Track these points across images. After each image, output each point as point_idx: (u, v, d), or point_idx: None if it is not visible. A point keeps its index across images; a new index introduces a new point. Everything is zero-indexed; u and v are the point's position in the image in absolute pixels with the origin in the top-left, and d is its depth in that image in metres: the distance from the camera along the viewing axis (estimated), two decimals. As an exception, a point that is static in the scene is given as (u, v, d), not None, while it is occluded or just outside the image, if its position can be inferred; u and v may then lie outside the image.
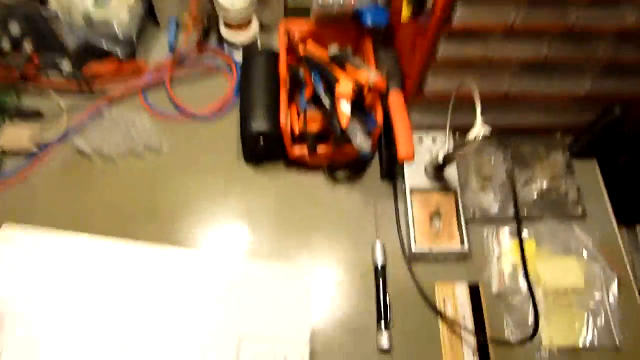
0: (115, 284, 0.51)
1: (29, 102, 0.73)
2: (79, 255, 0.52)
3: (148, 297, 0.51)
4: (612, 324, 0.61)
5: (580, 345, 0.61)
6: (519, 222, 0.45)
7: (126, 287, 0.51)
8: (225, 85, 0.75)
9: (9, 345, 0.47)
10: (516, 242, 0.65)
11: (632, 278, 0.66)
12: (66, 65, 0.74)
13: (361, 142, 0.59)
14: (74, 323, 0.49)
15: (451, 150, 0.58)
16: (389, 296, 0.61)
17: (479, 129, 0.50)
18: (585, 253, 0.66)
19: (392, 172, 0.69)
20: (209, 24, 0.75)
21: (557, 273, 0.63)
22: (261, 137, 0.64)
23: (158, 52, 0.78)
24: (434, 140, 0.70)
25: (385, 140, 0.68)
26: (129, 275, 0.51)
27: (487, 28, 0.53)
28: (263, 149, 0.65)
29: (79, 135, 0.70)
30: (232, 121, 0.73)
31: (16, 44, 0.72)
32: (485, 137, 0.49)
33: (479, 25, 0.53)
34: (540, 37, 0.57)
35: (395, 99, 0.62)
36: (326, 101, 0.59)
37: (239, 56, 0.76)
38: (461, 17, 0.51)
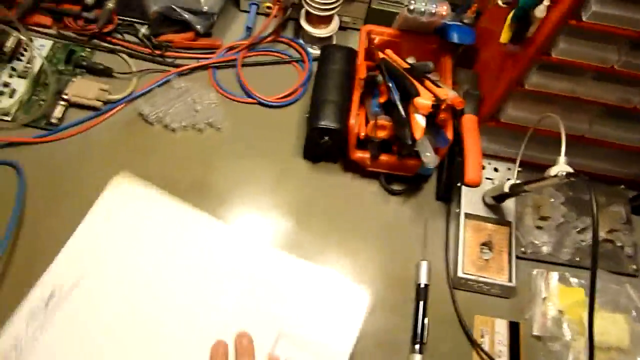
0: (192, 253, 0.54)
1: (102, 59, 0.73)
2: (176, 220, 0.56)
3: (212, 271, 0.53)
4: (651, 389, 0.59)
5: (616, 406, 0.58)
6: (593, 274, 0.43)
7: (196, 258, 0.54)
8: (294, 77, 0.75)
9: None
10: (564, 287, 0.64)
11: (678, 347, 0.63)
12: (143, 30, 0.75)
13: (430, 156, 0.58)
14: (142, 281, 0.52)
15: (520, 182, 0.56)
16: (428, 318, 0.60)
17: (562, 167, 0.48)
18: (634, 312, 0.63)
19: (449, 194, 0.67)
20: (290, 13, 0.75)
21: (603, 327, 0.61)
22: (327, 133, 0.63)
23: (234, 33, 0.78)
24: (496, 170, 0.69)
25: (448, 161, 0.67)
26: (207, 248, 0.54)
27: (585, 65, 0.52)
28: (325, 146, 0.64)
29: (145, 100, 0.70)
30: (296, 114, 0.72)
31: (99, 0, 0.73)
32: (569, 178, 0.47)
33: (577, 61, 0.51)
34: (633, 84, 0.55)
35: (469, 121, 0.61)
36: (402, 110, 0.58)
37: (313, 51, 0.76)
38: (562, 49, 0.50)
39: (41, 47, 0.73)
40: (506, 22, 0.52)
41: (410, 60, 0.69)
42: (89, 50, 0.74)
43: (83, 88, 0.69)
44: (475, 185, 0.56)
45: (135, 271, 0.53)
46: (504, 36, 0.53)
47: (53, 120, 0.67)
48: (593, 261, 0.42)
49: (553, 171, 0.48)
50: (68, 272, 0.52)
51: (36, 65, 0.71)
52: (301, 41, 0.77)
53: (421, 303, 0.60)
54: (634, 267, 0.67)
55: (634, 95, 0.55)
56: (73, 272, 0.52)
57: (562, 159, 0.49)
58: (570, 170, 0.48)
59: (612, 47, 0.50)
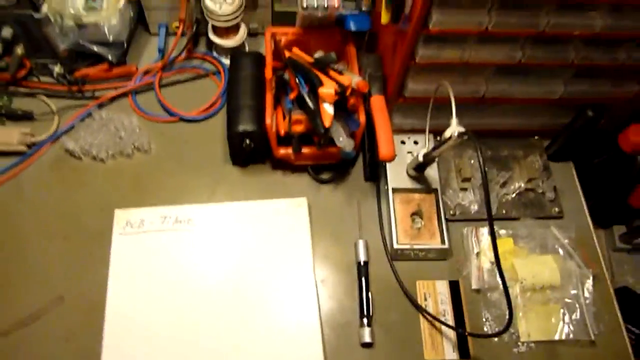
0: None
1: (20, 104, 0.74)
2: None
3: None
4: (586, 318, 0.63)
5: (556, 339, 0.62)
6: (490, 220, 0.47)
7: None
8: (213, 89, 0.77)
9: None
10: (494, 240, 0.67)
11: (606, 275, 0.68)
12: (57, 68, 0.76)
13: (344, 141, 0.61)
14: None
15: (429, 150, 0.60)
16: (371, 292, 0.63)
17: (454, 128, 0.52)
18: (561, 251, 0.68)
19: (375, 173, 0.71)
20: (198, 29, 0.77)
21: (534, 270, 0.65)
22: (247, 136, 0.66)
23: (148, 57, 0.80)
24: (415, 143, 0.73)
25: (368, 143, 0.71)
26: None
27: (462, 32, 0.56)
28: (249, 150, 0.67)
29: (69, 136, 0.71)
30: (219, 124, 0.75)
31: (7, 48, 0.73)
32: (461, 137, 0.51)
33: (454, 29, 0.55)
34: (514, 41, 0.59)
35: (377, 101, 0.64)
36: (310, 102, 0.61)
37: (227, 61, 0.78)
38: (437, 21, 0.54)
39: (-43, 103, 0.73)
40: (383, 4, 0.56)
41: (319, 54, 0.72)
42: (6, 98, 0.74)
43: (5, 135, 0.70)
44: (390, 159, 0.60)
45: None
46: (384, 17, 0.57)
47: (-21, 173, 0.68)
48: (487, 201, 0.46)
49: (447, 133, 0.52)
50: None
51: (-46, 122, 0.71)
52: (214, 54, 0.80)
53: (363, 279, 0.63)
54: (557, 209, 0.71)
55: (515, 52, 0.60)
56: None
57: (453, 121, 0.53)
58: (462, 130, 0.51)
59: (482, 10, 0.54)
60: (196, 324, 0.60)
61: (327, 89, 0.60)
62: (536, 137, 0.76)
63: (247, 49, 0.80)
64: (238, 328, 0.60)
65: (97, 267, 0.63)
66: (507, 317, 0.61)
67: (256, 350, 0.59)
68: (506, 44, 0.59)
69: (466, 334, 0.61)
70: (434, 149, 0.59)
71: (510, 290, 0.64)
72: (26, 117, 0.73)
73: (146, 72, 0.77)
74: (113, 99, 0.75)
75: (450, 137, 0.52)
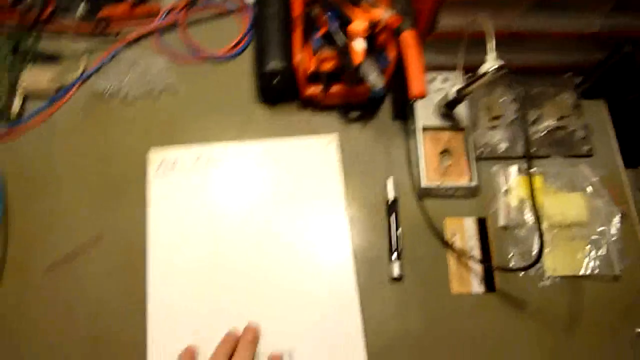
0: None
1: (47, 45, 0.74)
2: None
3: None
4: (612, 254, 0.64)
5: (581, 274, 0.64)
6: (528, 158, 0.47)
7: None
8: (238, 27, 0.76)
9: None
10: (523, 178, 0.68)
11: (634, 212, 0.68)
12: (82, 8, 0.75)
13: (374, 78, 0.60)
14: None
15: (463, 86, 0.59)
16: (400, 229, 0.64)
17: (492, 62, 0.51)
18: (589, 189, 0.68)
19: (404, 111, 0.70)
20: (222, -36, 0.75)
21: (562, 207, 0.66)
22: (275, 75, 0.65)
23: (171, -5, 0.78)
24: (445, 80, 0.71)
25: (398, 81, 0.69)
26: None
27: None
28: (277, 88, 0.67)
29: (97, 77, 0.71)
30: (246, 63, 0.74)
31: (31, -14, 0.73)
32: (498, 72, 0.50)
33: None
34: (554, -29, 0.57)
35: (408, 37, 0.63)
36: (339, 39, 0.60)
37: (251, -2, 0.77)
38: (476, -52, 0.51)
39: (-16, 45, 0.73)
40: None
41: (346, -12, 0.70)
42: (32, 39, 0.74)
43: (34, 77, 0.70)
44: (421, 96, 0.59)
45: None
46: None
47: (12, 116, 0.69)
48: (526, 141, 0.46)
49: (483, 68, 0.51)
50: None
51: (-17, 64, 0.71)
52: (238, -10, 0.78)
53: (393, 216, 0.65)
54: (587, 147, 0.70)
55: (556, -18, 0.57)
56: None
57: (490, 55, 0.51)
58: (500, 63, 0.50)
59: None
60: (233, 261, 0.62)
61: (358, 25, 0.58)
62: (569, 74, 0.74)
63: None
64: (273, 265, 0.62)
65: (133, 206, 0.65)
66: (534, 252, 0.63)
67: (291, 286, 0.61)
68: (545, -27, 0.57)
69: (493, 267, 0.63)
70: (468, 84, 0.58)
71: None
72: (54, 58, 0.73)
73: (170, 11, 0.76)
74: (138, 39, 0.74)
75: (487, 72, 0.51)
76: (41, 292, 0.61)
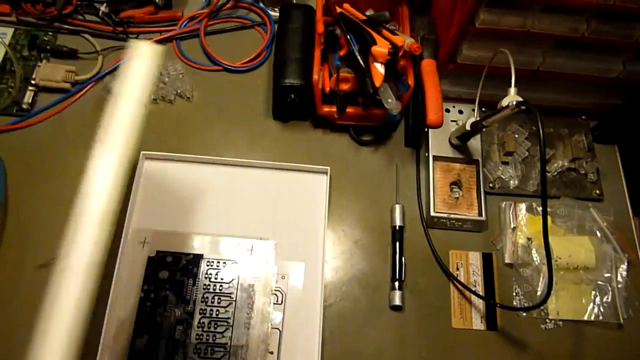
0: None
1: (65, 41, 0.74)
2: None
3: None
4: (617, 301, 0.63)
5: (585, 319, 0.62)
6: (544, 197, 0.46)
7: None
8: (257, 41, 0.76)
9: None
10: (531, 216, 0.67)
11: (641, 261, 0.67)
12: (103, 8, 0.75)
13: (392, 103, 0.60)
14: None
15: (481, 119, 0.59)
16: (405, 257, 0.63)
17: (512, 97, 0.51)
18: (598, 233, 0.67)
19: (417, 139, 0.70)
20: (247, -22, 0.76)
21: (570, 250, 0.65)
22: (292, 91, 0.65)
23: (194, 3, 0.78)
24: (460, 112, 0.71)
25: (413, 107, 0.69)
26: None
27: (529, -1, 0.54)
28: (292, 104, 0.66)
29: (112, 77, 0.71)
30: (263, 77, 0.74)
31: (55, -18, 0.73)
32: (518, 107, 0.50)
33: (521, -5, 0.53)
34: (580, 12, 0.57)
35: (428, 65, 0.63)
36: (361, 60, 0.60)
37: (273, 13, 0.77)
38: (504, -16, 0.52)
39: (3, 36, 0.73)
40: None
41: (369, 12, 0.70)
42: (51, 34, 0.74)
43: (50, 72, 0.70)
44: (437, 125, 0.59)
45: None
46: (449, -23, 0.55)
47: (24, 106, 0.68)
48: (542, 175, 0.45)
49: (504, 102, 0.51)
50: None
51: (0, 54, 0.71)
52: (261, 4, 0.78)
53: (397, 243, 0.64)
54: (597, 191, 0.70)
55: (581, 24, 0.57)
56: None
57: (512, 89, 0.51)
58: (520, 99, 0.50)
59: (553, -23, 0.52)
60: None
61: (381, 48, 0.58)
62: (583, 117, 0.74)
63: (295, 1, 0.78)
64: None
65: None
66: (539, 292, 0.62)
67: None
68: (571, 15, 0.57)
69: (497, 304, 0.62)
70: (485, 118, 0.58)
71: (544, 268, 0.64)
72: (71, 54, 0.72)
73: (192, 18, 0.76)
74: (157, 43, 0.74)
75: (507, 106, 0.51)
76: (31, 289, 0.60)
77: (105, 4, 0.75)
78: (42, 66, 0.70)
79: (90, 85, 0.71)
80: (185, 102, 0.72)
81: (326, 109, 0.67)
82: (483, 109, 0.70)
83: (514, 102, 0.50)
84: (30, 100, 0.69)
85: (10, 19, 0.74)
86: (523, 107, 0.49)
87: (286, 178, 0.67)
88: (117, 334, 0.57)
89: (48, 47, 0.72)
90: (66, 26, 0.75)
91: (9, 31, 0.73)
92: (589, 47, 0.62)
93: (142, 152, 0.65)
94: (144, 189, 0.65)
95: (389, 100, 0.60)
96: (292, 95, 0.65)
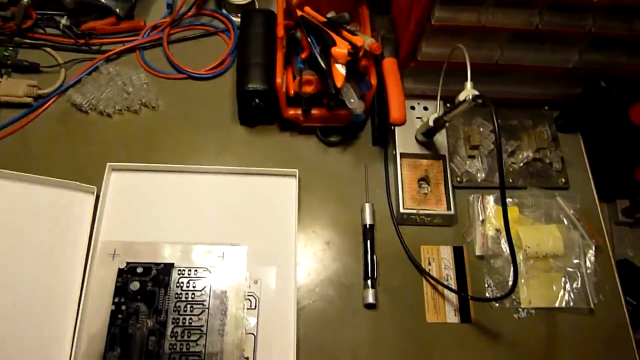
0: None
1: (27, 56, 0.73)
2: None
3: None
4: (587, 287, 0.64)
5: (556, 306, 0.63)
6: (502, 189, 0.47)
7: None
8: (221, 47, 0.76)
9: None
10: (499, 208, 0.68)
11: (608, 246, 0.68)
12: (64, 21, 0.74)
13: (355, 103, 0.61)
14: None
15: (441, 114, 0.60)
16: (376, 255, 0.64)
17: (469, 91, 0.51)
18: (565, 221, 0.68)
19: (384, 137, 0.70)
20: (208, -15, 0.76)
21: (538, 239, 0.66)
22: (256, 95, 0.65)
23: (156, 12, 0.78)
24: (425, 109, 0.72)
25: (378, 107, 0.70)
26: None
27: (481, -6, 0.55)
28: (257, 109, 0.66)
29: (76, 89, 0.70)
30: (228, 83, 0.74)
31: (13, -3, 0.72)
32: (475, 100, 0.50)
33: (473, -10, 0.54)
34: (532, 6, 0.58)
35: (389, 64, 0.64)
36: (322, 62, 0.60)
37: (236, 19, 0.77)
38: (456, -19, 0.52)
39: (-38, 52, 0.72)
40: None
41: (331, 14, 0.71)
42: (11, 48, 0.73)
43: (11, 87, 0.69)
44: (401, 123, 0.59)
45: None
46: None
47: (-15, 124, 0.67)
48: (499, 165, 0.46)
49: (461, 96, 0.52)
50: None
51: (-40, 71, 0.70)
52: (224, 11, 0.78)
53: (368, 242, 0.64)
54: (563, 180, 0.71)
55: (533, 17, 0.58)
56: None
57: (468, 84, 0.52)
58: (477, 93, 0.51)
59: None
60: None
61: (340, 49, 0.59)
62: (546, 108, 0.76)
63: (257, 6, 0.78)
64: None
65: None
66: (510, 282, 0.63)
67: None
68: (524, 8, 0.58)
69: (469, 297, 0.62)
70: (446, 113, 0.58)
71: (514, 258, 0.65)
72: (32, 69, 0.71)
73: (154, 28, 0.76)
74: (120, 54, 0.74)
75: (464, 101, 0.51)
76: None
77: (65, 17, 0.74)
78: (2, 81, 0.70)
79: (54, 98, 0.70)
80: (150, 112, 0.71)
81: (291, 111, 0.67)
82: (448, 105, 0.71)
83: (470, 96, 0.51)
84: (-9, 118, 0.68)
85: (-31, 36, 0.73)
86: (479, 101, 0.50)
87: (255, 183, 0.66)
88: (88, 349, 0.56)
89: (9, 62, 0.71)
90: (27, 40, 0.74)
91: (-32, 48, 0.72)
92: (545, 39, 0.64)
93: (108, 164, 0.64)
94: (111, 201, 0.64)
95: (352, 100, 0.61)
96: (257, 100, 0.65)
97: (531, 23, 0.59)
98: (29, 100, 0.69)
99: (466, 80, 0.54)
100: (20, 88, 0.69)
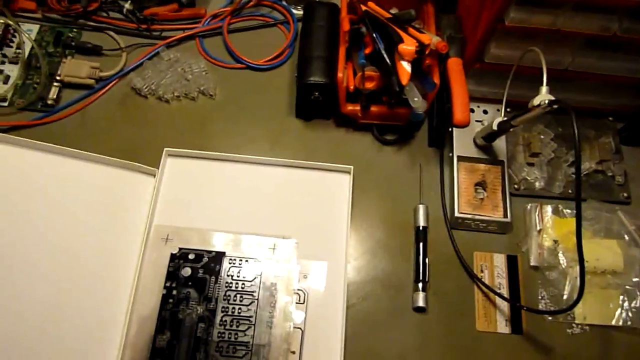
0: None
1: (90, 38, 0.74)
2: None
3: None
4: (647, 307, 0.62)
5: (612, 324, 0.61)
6: (578, 201, 0.45)
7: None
8: (281, 39, 0.76)
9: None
10: (558, 218, 0.66)
11: (670, 266, 0.66)
12: (127, 5, 0.75)
13: (418, 101, 0.59)
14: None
15: (509, 118, 0.58)
16: (428, 258, 0.62)
17: (544, 96, 0.50)
18: (626, 237, 0.66)
19: (441, 139, 0.69)
20: (271, -24, 0.76)
21: (598, 253, 0.64)
22: (316, 89, 0.64)
23: (217, 1, 0.79)
24: (485, 112, 0.70)
25: (437, 107, 0.69)
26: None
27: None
28: (316, 102, 0.66)
29: (136, 73, 0.71)
30: (285, 75, 0.74)
31: (81, -20, 0.73)
32: (550, 106, 0.49)
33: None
34: (612, 11, 0.56)
35: (455, 64, 0.62)
36: (387, 58, 0.59)
37: (296, 11, 0.77)
38: (537, -19, 0.51)
39: (29, 32, 0.73)
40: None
41: (393, 11, 0.70)
42: (75, 30, 0.74)
43: (75, 68, 0.70)
44: (464, 124, 0.58)
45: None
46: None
47: (49, 102, 0.69)
48: (577, 179, 0.44)
49: (536, 101, 0.50)
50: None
51: (26, 50, 0.72)
52: (284, 2, 0.78)
53: (421, 244, 0.63)
54: (625, 194, 0.69)
55: (612, 23, 0.56)
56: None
57: (544, 88, 0.50)
58: (553, 98, 0.49)
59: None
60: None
61: (408, 46, 0.58)
62: (610, 119, 0.73)
63: None
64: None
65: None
66: (565, 296, 0.61)
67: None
68: (603, 13, 0.56)
69: (523, 307, 0.60)
70: (514, 117, 0.57)
71: (570, 271, 0.63)
72: (95, 51, 0.73)
73: (215, 16, 0.76)
74: (180, 41, 0.74)
75: (538, 105, 0.50)
76: None
77: (129, 1, 0.75)
78: (67, 62, 0.71)
79: (115, 81, 0.71)
80: (208, 100, 0.71)
81: (350, 107, 0.67)
82: (508, 110, 0.69)
83: (547, 101, 0.49)
84: (55, 96, 0.69)
85: (36, 16, 0.75)
86: (555, 106, 0.48)
87: (309, 177, 0.66)
88: (138, 331, 0.57)
89: (73, 44, 0.73)
90: (91, 23, 0.75)
91: (35, 28, 0.74)
92: (619, 46, 0.61)
93: (165, 149, 0.64)
94: (166, 186, 0.64)
95: (415, 98, 0.60)
96: (317, 93, 0.65)
97: (609, 29, 0.57)
98: (91, 82, 0.70)
99: (536, 84, 0.53)
100: (83, 69, 0.70)
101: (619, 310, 0.62)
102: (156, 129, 0.69)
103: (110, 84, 0.71)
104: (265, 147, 0.69)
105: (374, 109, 0.66)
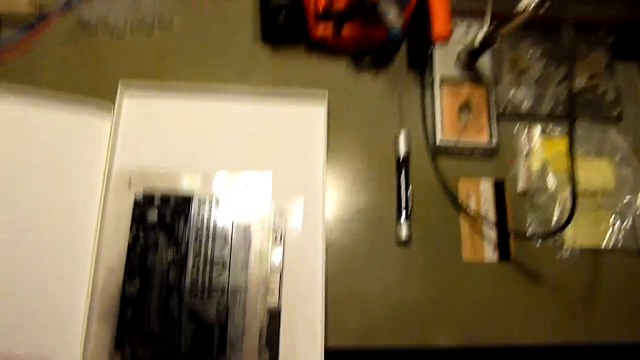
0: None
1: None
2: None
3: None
4: (638, 227, 0.60)
5: (603, 246, 0.59)
6: (572, 119, 0.41)
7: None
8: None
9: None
10: (547, 138, 0.62)
11: (663, 184, 0.63)
12: None
13: (393, 17, 0.54)
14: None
15: (493, 27, 0.53)
16: (411, 188, 0.59)
17: (531, -3, 0.44)
18: (618, 156, 0.62)
19: (422, 59, 0.64)
20: None
21: (588, 174, 0.61)
22: (282, 10, 0.58)
23: None
24: (468, 27, 0.65)
25: (416, 25, 0.63)
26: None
27: None
28: (283, 26, 0.60)
29: (83, 3, 0.64)
30: (249, -1, 0.67)
31: None
32: (540, 6, 0.44)
33: None
34: None
35: (433, -27, 0.56)
36: (358, -31, 0.53)
37: None
38: None
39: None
40: None
41: None
42: (10, -43, 0.66)
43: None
44: (445, 38, 0.53)
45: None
46: None
47: (-15, 41, 0.62)
48: (570, 93, 0.40)
49: (523, 4, 0.45)
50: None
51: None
52: None
53: (402, 174, 0.59)
54: (617, 111, 0.65)
55: None
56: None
57: (532, -11, 0.45)
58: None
59: None
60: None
61: (380, -47, 0.51)
62: (602, 31, 0.68)
63: None
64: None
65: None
66: (554, 221, 0.58)
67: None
68: None
69: (510, 233, 0.58)
70: (497, 28, 0.51)
71: (559, 195, 0.60)
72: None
73: None
74: (130, -35, 0.67)
75: (525, 8, 0.44)
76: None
77: None
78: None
79: (60, 14, 0.64)
80: (165, 32, 0.65)
81: (320, 30, 0.61)
82: (494, 23, 0.64)
83: (532, 4, 0.44)
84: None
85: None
86: (546, 5, 0.43)
87: (280, 106, 0.61)
88: (107, 282, 0.53)
89: (8, -27, 0.64)
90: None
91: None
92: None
93: (120, 80, 0.58)
94: (125, 124, 0.59)
95: (390, 14, 0.54)
96: (283, 15, 0.59)
97: None
98: (32, 13, 0.63)
99: None
100: (22, 1, 0.62)
101: (609, 231, 0.60)
102: (110, 66, 0.62)
103: (55, 18, 0.64)
104: (232, 77, 0.63)
105: (347, 29, 0.60)
